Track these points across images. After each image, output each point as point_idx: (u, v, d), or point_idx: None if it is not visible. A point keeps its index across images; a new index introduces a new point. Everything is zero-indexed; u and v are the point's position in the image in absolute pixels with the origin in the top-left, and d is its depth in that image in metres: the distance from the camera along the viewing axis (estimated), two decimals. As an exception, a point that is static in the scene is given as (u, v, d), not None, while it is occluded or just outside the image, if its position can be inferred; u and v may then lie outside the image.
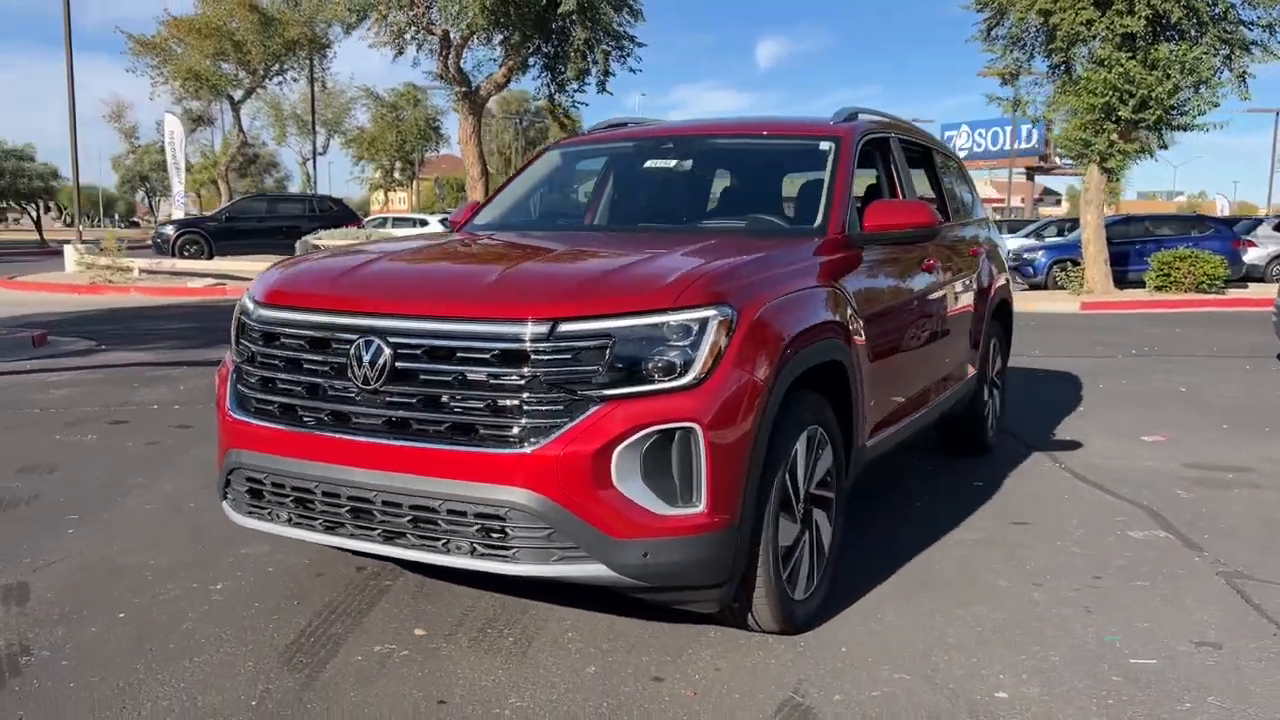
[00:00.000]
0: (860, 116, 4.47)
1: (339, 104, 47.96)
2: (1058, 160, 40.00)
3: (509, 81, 20.43)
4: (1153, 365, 9.32)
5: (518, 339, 2.63)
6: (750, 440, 2.75)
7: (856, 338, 3.44)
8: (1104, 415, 6.85)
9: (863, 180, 5.39)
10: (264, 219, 25.38)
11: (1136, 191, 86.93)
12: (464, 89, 19.74)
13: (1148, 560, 3.91)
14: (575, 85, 20.12)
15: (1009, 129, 40.32)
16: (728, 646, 3.05)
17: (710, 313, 2.72)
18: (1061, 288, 17.91)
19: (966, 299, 4.96)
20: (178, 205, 29.94)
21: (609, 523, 2.59)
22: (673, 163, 4.54)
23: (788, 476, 3.00)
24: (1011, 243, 19.97)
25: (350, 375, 2.78)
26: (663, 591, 2.84)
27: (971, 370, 5.11)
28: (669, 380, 2.64)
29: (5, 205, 39.92)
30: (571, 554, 2.61)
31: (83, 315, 12.99)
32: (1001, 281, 5.63)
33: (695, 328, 2.69)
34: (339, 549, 3.42)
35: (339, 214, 26.55)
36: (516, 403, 2.62)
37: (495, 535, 2.64)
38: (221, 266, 20.04)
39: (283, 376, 2.95)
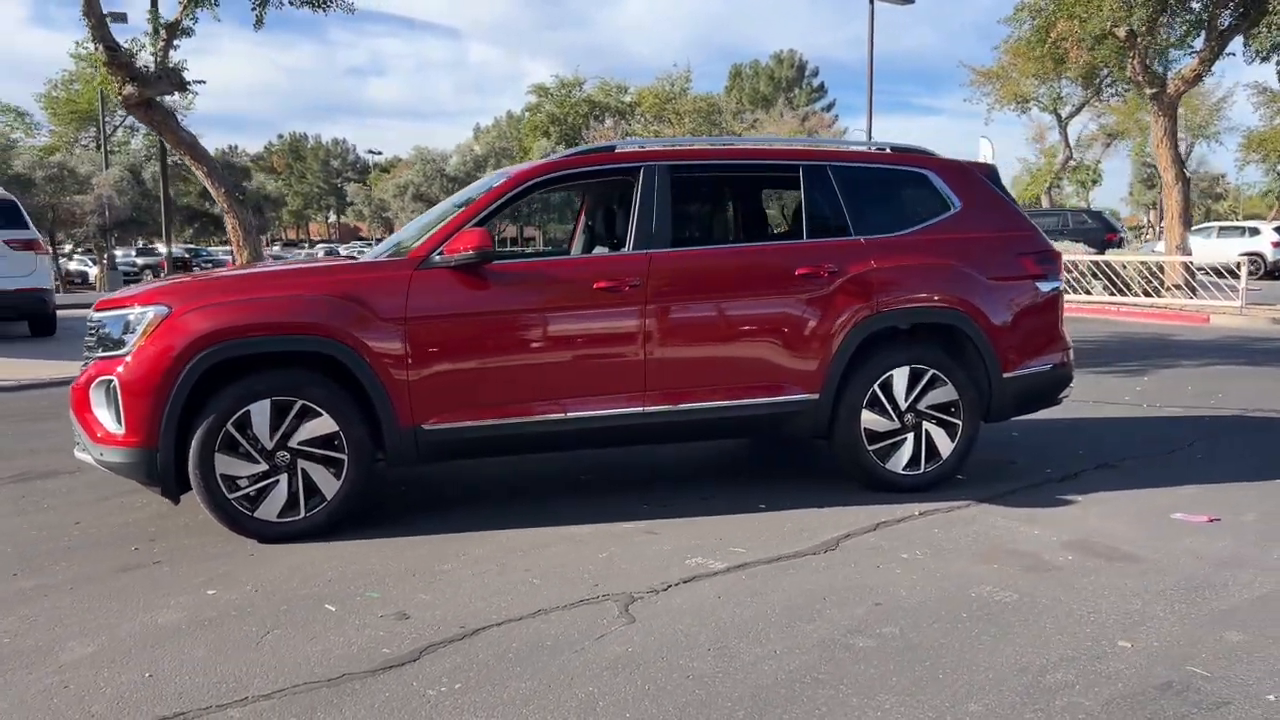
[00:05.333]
0: (618, 149, 4.88)
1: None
2: None
3: (1200, 77, 17.68)
4: None
5: (91, 320, 4.62)
6: (159, 394, 4.18)
7: (380, 340, 4.31)
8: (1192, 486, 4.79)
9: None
10: None
11: None
12: (1153, 90, 17.84)
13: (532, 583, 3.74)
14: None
15: None
16: (228, 544, 4.39)
17: (149, 310, 4.30)
18: None
19: (763, 317, 4.75)
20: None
21: (88, 431, 4.41)
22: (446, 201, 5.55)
23: (234, 428, 4.25)
24: None
25: None
26: (145, 484, 4.44)
27: (793, 389, 4.72)
28: (114, 350, 4.34)
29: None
30: (86, 448, 4.48)
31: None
32: (895, 305, 4.85)
33: (138, 318, 4.30)
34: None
35: (1092, 228, 25.44)
36: (88, 355, 4.60)
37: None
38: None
39: None
